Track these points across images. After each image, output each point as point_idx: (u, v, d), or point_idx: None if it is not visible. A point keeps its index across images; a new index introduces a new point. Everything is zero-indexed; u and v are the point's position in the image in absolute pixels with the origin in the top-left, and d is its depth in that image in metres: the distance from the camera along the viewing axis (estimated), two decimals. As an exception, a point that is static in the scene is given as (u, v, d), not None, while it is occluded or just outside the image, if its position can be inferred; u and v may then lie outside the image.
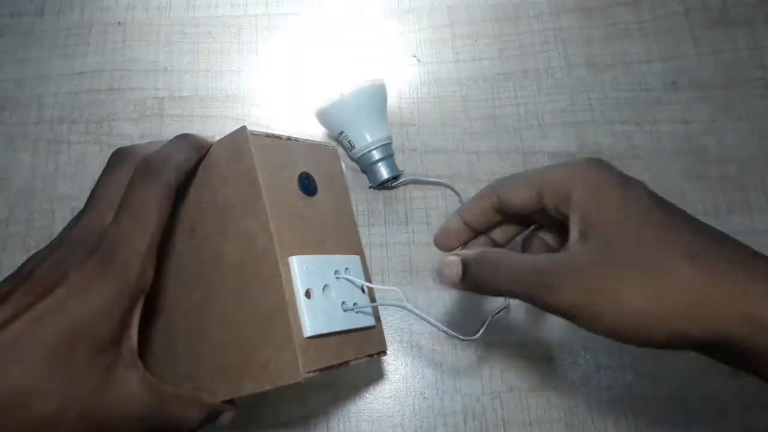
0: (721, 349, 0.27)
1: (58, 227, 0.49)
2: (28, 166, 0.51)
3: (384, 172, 0.48)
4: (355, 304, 0.34)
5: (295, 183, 0.34)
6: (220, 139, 0.36)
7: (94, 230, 0.31)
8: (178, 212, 0.35)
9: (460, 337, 0.35)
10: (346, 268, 0.35)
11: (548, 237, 0.35)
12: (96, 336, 0.27)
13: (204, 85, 0.54)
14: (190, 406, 0.32)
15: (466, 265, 0.31)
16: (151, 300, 0.34)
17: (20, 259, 0.48)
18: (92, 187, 0.33)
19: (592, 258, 0.28)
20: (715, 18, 0.56)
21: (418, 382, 0.45)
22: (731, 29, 0.56)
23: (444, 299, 0.47)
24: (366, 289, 0.36)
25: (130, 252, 0.29)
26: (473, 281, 0.31)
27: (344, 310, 0.34)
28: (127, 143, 0.51)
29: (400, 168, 0.50)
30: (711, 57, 0.55)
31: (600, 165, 0.30)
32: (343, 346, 0.34)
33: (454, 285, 0.32)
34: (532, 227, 0.36)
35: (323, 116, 0.49)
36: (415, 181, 0.50)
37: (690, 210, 0.52)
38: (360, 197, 0.50)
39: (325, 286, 0.33)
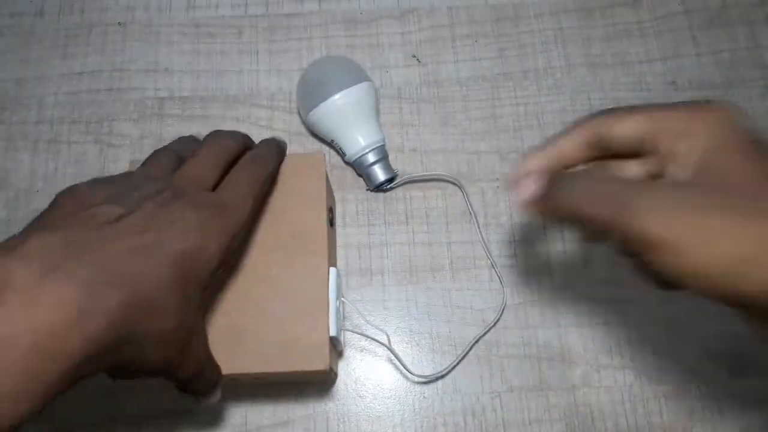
0: None
1: (58, 227, 0.49)
2: (28, 166, 0.51)
3: (380, 175, 0.49)
4: (340, 319, 0.40)
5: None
6: (297, 153, 0.43)
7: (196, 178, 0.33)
8: None
9: (413, 378, 0.43)
10: (338, 284, 0.41)
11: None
12: (203, 272, 0.30)
13: (204, 85, 0.54)
14: (214, 369, 0.35)
15: (552, 179, 0.28)
16: None
17: (20, 259, 0.48)
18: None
19: (699, 191, 0.25)
20: (715, 18, 0.56)
21: (418, 382, 0.45)
22: (731, 29, 0.56)
23: (445, 299, 0.47)
24: (341, 306, 0.42)
25: (249, 197, 0.33)
26: (554, 198, 0.28)
27: (339, 328, 0.39)
28: (127, 143, 0.52)
29: (398, 169, 0.50)
30: (711, 57, 0.55)
31: (729, 111, 0.27)
32: (332, 353, 0.40)
33: (529, 204, 0.29)
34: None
35: (312, 126, 0.49)
36: (412, 180, 0.50)
37: (690, 210, 0.52)
38: (360, 197, 0.50)
39: (339, 298, 0.40)
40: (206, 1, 0.57)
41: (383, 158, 0.49)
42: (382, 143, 0.49)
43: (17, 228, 0.49)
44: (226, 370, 0.37)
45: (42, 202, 0.50)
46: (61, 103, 0.53)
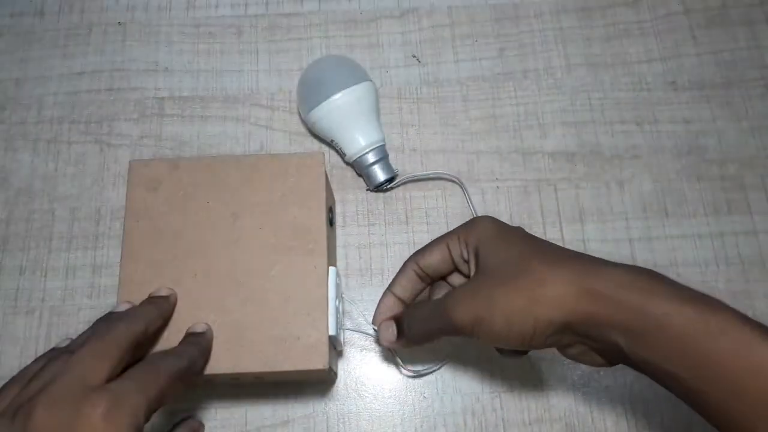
0: (582, 328, 0.31)
1: (58, 227, 0.49)
2: (28, 166, 0.51)
3: (380, 175, 0.49)
4: (340, 318, 0.40)
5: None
6: (297, 153, 0.44)
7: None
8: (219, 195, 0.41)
9: (405, 372, 0.45)
10: (337, 283, 0.41)
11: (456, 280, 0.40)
12: None
13: (204, 85, 0.54)
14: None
15: (399, 323, 0.39)
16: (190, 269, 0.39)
17: (20, 259, 0.48)
18: None
19: (478, 281, 0.35)
20: (715, 18, 0.56)
21: (418, 382, 0.45)
22: (731, 29, 0.56)
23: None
24: (341, 304, 0.42)
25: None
26: (407, 336, 0.38)
27: (339, 327, 0.40)
28: (127, 143, 0.52)
29: (398, 169, 0.50)
30: (711, 57, 0.55)
31: (487, 218, 0.38)
32: (332, 352, 0.40)
33: (393, 344, 0.39)
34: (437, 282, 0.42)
35: (312, 126, 0.49)
36: (415, 179, 0.50)
37: (690, 210, 0.52)
38: (360, 197, 0.50)
39: (338, 298, 0.40)
40: (206, 1, 0.57)
41: (383, 158, 0.49)
42: (382, 143, 0.49)
43: (17, 228, 0.49)
44: (226, 369, 0.37)
45: (42, 202, 0.50)
46: (61, 103, 0.53)
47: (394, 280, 0.41)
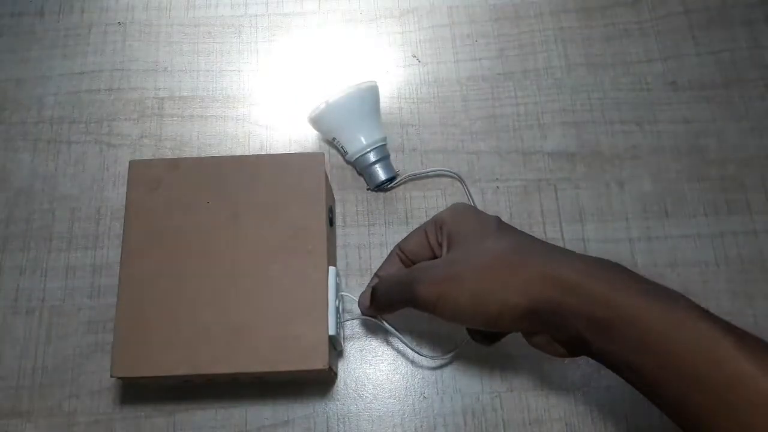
0: (547, 315, 0.32)
1: (58, 227, 0.49)
2: (28, 166, 0.51)
3: (381, 174, 0.49)
4: (340, 316, 0.41)
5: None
6: (297, 153, 0.45)
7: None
8: (220, 194, 0.41)
9: (423, 355, 0.44)
10: (337, 283, 0.41)
11: None
12: None
13: (204, 85, 0.54)
14: None
15: (373, 290, 0.40)
16: (189, 268, 0.40)
17: (20, 259, 0.48)
18: None
19: (447, 258, 0.36)
20: (715, 18, 0.56)
21: (418, 382, 0.45)
22: (731, 29, 0.56)
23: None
24: (341, 303, 0.42)
25: None
26: (377, 301, 0.39)
27: (338, 327, 0.40)
28: (127, 143, 0.52)
29: (398, 168, 0.50)
30: (711, 57, 0.55)
31: (462, 204, 0.39)
32: (332, 352, 0.40)
33: (367, 310, 0.41)
34: None
35: (314, 125, 0.49)
36: (415, 177, 0.50)
37: (690, 210, 0.52)
38: (360, 197, 0.50)
39: (338, 297, 0.41)
40: (206, 0, 0.57)
41: (384, 157, 0.49)
42: (384, 143, 0.49)
43: (17, 228, 0.49)
44: (226, 369, 0.37)
45: (42, 202, 0.50)
46: (61, 103, 0.53)
47: (381, 265, 0.42)
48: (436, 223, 0.38)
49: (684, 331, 0.28)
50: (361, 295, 0.41)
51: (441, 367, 0.45)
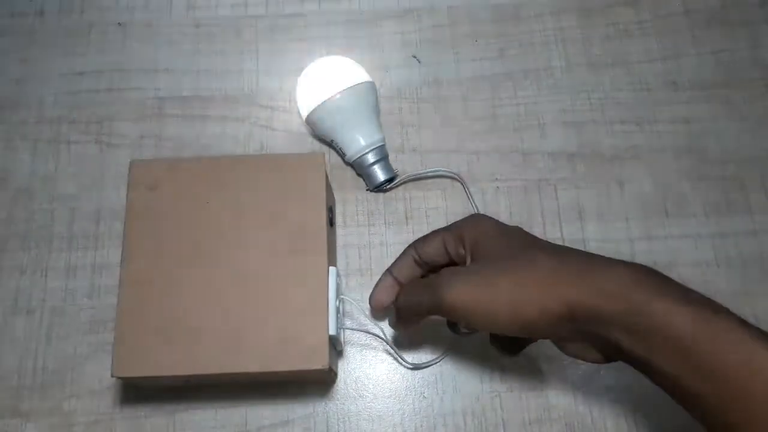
0: (584, 323, 0.31)
1: (58, 227, 0.49)
2: (27, 165, 0.51)
3: (380, 175, 0.49)
4: (340, 318, 0.41)
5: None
6: (297, 153, 0.45)
7: None
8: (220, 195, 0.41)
9: (405, 365, 0.45)
10: (337, 283, 0.41)
11: None
12: None
13: (204, 85, 0.54)
14: None
15: (397, 296, 0.39)
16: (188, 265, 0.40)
17: (20, 259, 0.48)
18: None
19: (475, 267, 0.36)
20: (715, 18, 0.56)
21: (418, 382, 0.45)
22: (731, 29, 0.56)
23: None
24: (341, 304, 0.42)
25: None
26: (396, 303, 0.39)
27: (338, 327, 0.40)
28: (127, 143, 0.52)
29: (398, 169, 0.50)
30: (711, 57, 0.55)
31: (485, 217, 0.39)
32: (332, 352, 0.40)
33: (381, 306, 0.41)
34: None
35: (312, 126, 0.50)
36: (415, 177, 0.50)
37: (690, 210, 0.52)
38: (360, 197, 0.50)
39: (339, 298, 0.41)
40: (206, 1, 0.57)
41: (383, 158, 0.49)
42: (382, 143, 0.49)
43: (17, 228, 0.49)
44: (226, 369, 0.37)
45: (42, 202, 0.50)
46: (61, 103, 0.53)
47: (394, 262, 0.42)
48: (456, 234, 0.38)
49: (724, 341, 0.28)
50: (376, 287, 0.42)
51: (440, 367, 0.45)
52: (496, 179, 0.51)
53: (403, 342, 0.46)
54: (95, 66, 0.54)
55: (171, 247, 0.40)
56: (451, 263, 0.39)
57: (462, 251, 0.37)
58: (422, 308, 0.37)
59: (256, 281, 0.39)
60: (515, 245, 0.35)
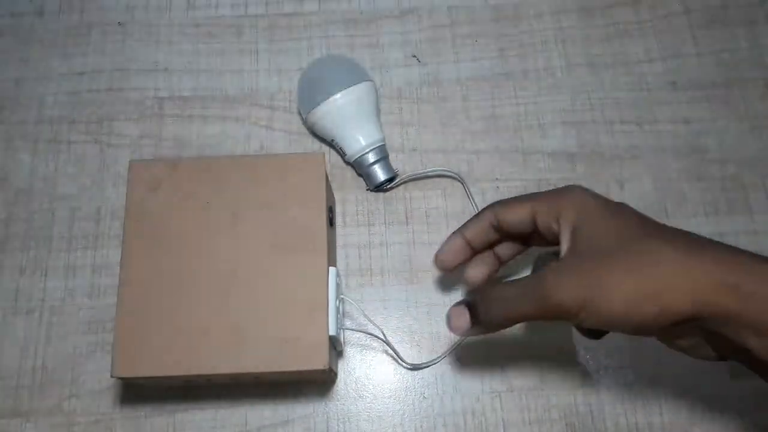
0: (709, 322, 0.29)
1: (58, 227, 0.49)
2: (27, 166, 0.51)
3: (380, 175, 0.49)
4: (340, 318, 0.41)
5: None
6: (297, 153, 0.45)
7: None
8: (219, 195, 0.41)
9: (405, 365, 0.44)
10: (337, 283, 0.41)
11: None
12: None
13: (204, 85, 0.54)
14: None
15: (472, 307, 0.34)
16: (186, 268, 0.40)
17: (20, 259, 0.48)
18: None
19: (581, 259, 0.31)
20: (715, 18, 0.56)
21: (418, 382, 0.45)
22: (731, 29, 0.56)
23: (445, 299, 0.47)
24: (341, 304, 0.42)
25: None
26: (484, 322, 0.34)
27: (338, 327, 0.40)
28: (126, 143, 0.52)
29: (398, 169, 0.50)
30: (711, 57, 0.55)
31: (585, 191, 0.34)
32: (332, 352, 0.40)
33: (465, 333, 0.35)
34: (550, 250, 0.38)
35: (312, 126, 0.50)
36: (415, 177, 0.50)
37: (690, 210, 0.52)
38: (360, 197, 0.50)
39: (339, 298, 0.40)
40: (206, 1, 0.57)
41: (383, 158, 0.49)
42: (383, 143, 0.49)
43: (17, 228, 0.49)
44: (226, 369, 0.37)
45: (42, 202, 0.50)
46: (61, 103, 0.53)
47: (467, 222, 0.39)
48: (552, 209, 0.34)
49: None
50: (450, 315, 0.35)
51: (440, 367, 0.45)
52: (496, 179, 0.51)
53: (403, 342, 0.46)
54: (95, 66, 0.55)
55: (171, 247, 0.40)
56: (537, 235, 0.36)
57: (556, 228, 0.34)
58: (522, 316, 0.33)
59: (256, 281, 0.39)
60: (628, 233, 0.31)
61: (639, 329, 0.30)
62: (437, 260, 0.40)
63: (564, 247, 0.33)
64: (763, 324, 0.27)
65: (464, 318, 0.34)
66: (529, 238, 0.38)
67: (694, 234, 0.31)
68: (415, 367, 0.45)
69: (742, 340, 0.28)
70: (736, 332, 0.28)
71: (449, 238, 0.39)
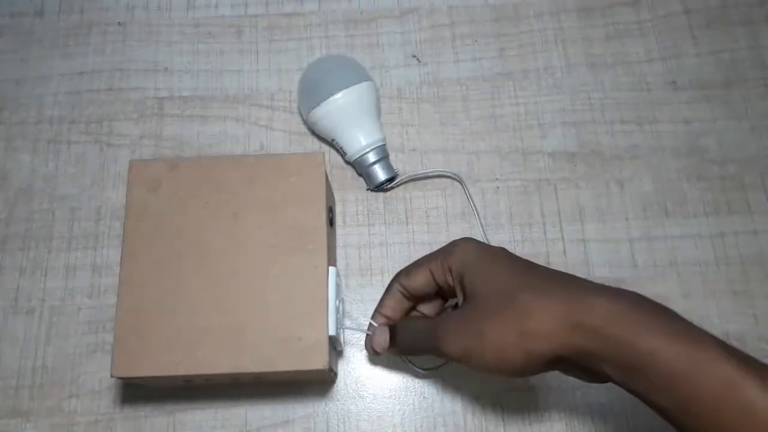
0: (571, 360, 0.32)
1: (58, 227, 0.49)
2: (28, 166, 0.51)
3: (380, 175, 0.49)
4: (340, 318, 0.41)
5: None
6: (297, 153, 0.45)
7: None
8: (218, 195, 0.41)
9: (419, 370, 0.44)
10: (337, 283, 0.41)
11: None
12: None
13: (204, 85, 0.54)
14: None
15: (392, 331, 0.39)
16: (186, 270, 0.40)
17: (20, 259, 0.48)
18: None
19: (467, 311, 0.35)
20: (715, 18, 0.56)
21: (418, 382, 0.45)
22: (731, 29, 0.56)
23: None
24: (342, 305, 0.42)
25: None
26: (399, 347, 0.39)
27: (338, 327, 0.40)
28: (126, 143, 0.52)
29: (398, 169, 0.50)
30: (711, 57, 0.55)
31: (468, 242, 0.38)
32: (332, 352, 0.40)
33: (384, 351, 0.40)
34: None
35: (313, 125, 0.50)
36: (416, 177, 0.50)
37: (690, 210, 0.52)
38: (360, 197, 0.50)
39: (339, 298, 0.41)
40: (206, 1, 0.57)
41: (384, 158, 0.49)
42: (383, 143, 0.49)
43: (17, 228, 0.49)
44: (226, 369, 0.37)
45: (42, 202, 0.50)
46: (61, 103, 0.53)
47: (382, 300, 0.41)
48: (444, 264, 0.38)
49: (709, 376, 0.28)
50: (373, 334, 0.40)
51: (440, 367, 0.45)
52: (496, 179, 0.51)
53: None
54: (95, 66, 0.55)
55: (171, 247, 0.40)
56: (440, 293, 0.40)
57: (450, 281, 0.37)
58: (423, 351, 0.38)
59: (256, 281, 0.39)
60: (498, 281, 0.35)
61: (516, 374, 0.34)
62: (369, 350, 0.41)
63: (459, 297, 0.37)
64: (612, 358, 0.30)
65: (384, 338, 0.40)
66: (443, 293, 0.40)
67: (557, 273, 0.35)
68: (433, 369, 0.45)
69: (606, 373, 0.31)
70: (599, 366, 0.31)
71: (374, 327, 0.41)
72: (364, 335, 0.46)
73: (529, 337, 0.32)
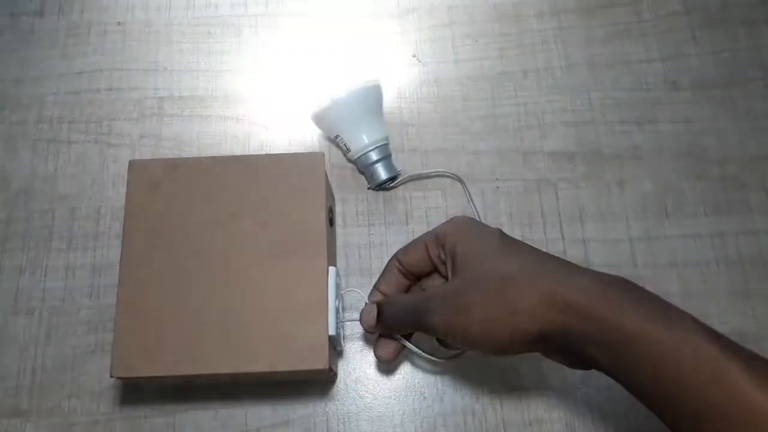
0: (555, 339, 0.32)
1: (58, 227, 0.49)
2: (28, 166, 0.51)
3: (382, 173, 0.49)
4: (340, 315, 0.41)
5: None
6: (297, 153, 0.46)
7: None
8: (219, 196, 0.41)
9: (433, 359, 0.42)
10: (337, 283, 0.41)
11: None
12: None
13: (204, 85, 0.54)
14: None
15: (379, 308, 0.39)
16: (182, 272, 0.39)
17: (20, 259, 0.48)
18: None
19: (456, 285, 0.35)
20: (715, 18, 0.56)
21: (418, 382, 0.45)
22: (731, 29, 0.56)
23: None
24: (342, 305, 0.42)
25: None
26: (384, 324, 0.39)
27: (338, 327, 0.40)
28: (126, 143, 0.52)
29: (399, 168, 0.50)
30: (711, 57, 0.55)
31: (463, 219, 0.39)
32: (332, 352, 0.40)
33: (371, 328, 0.40)
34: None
35: (318, 121, 0.49)
36: (416, 177, 0.50)
37: (690, 210, 0.52)
38: (360, 197, 0.50)
39: (338, 298, 0.41)
40: (206, 0, 0.57)
41: (386, 157, 0.49)
42: (386, 142, 0.49)
43: (17, 228, 0.49)
44: (226, 369, 0.37)
45: (42, 202, 0.50)
46: (61, 103, 0.53)
47: (380, 276, 0.41)
48: (438, 239, 0.38)
49: (691, 356, 0.28)
50: (362, 312, 0.40)
51: (441, 367, 0.45)
52: (496, 179, 0.51)
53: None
54: (95, 66, 0.55)
55: (171, 247, 0.40)
56: (436, 269, 0.39)
57: (442, 255, 0.38)
58: (408, 327, 0.39)
59: (256, 281, 0.39)
60: (488, 258, 0.35)
61: (500, 350, 0.34)
62: (363, 324, 0.40)
63: (449, 271, 0.37)
64: (596, 337, 0.30)
65: (372, 315, 0.39)
66: (440, 270, 0.40)
67: (544, 254, 0.35)
68: (454, 356, 0.42)
69: (590, 353, 0.31)
70: (582, 347, 0.31)
71: (369, 297, 0.41)
72: (365, 335, 0.46)
73: (515, 314, 0.32)
